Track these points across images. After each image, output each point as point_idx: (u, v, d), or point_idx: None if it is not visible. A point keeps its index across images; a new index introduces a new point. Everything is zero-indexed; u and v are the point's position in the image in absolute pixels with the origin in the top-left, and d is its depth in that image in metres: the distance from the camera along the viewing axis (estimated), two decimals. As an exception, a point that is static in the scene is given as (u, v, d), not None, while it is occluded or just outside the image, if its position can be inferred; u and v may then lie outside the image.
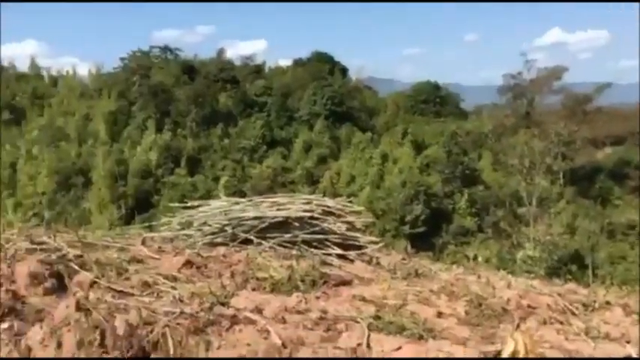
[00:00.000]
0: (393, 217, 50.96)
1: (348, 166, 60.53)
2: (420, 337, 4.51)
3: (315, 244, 9.08)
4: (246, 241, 8.90)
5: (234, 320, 4.08)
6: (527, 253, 35.44)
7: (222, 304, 4.58)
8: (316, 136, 66.86)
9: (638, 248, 49.24)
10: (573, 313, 6.23)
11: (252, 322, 4.17)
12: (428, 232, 50.37)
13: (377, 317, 4.72)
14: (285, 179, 58.48)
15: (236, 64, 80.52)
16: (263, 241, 8.76)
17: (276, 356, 3.75)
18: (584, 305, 6.55)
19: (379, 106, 77.66)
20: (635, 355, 4.71)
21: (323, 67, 78.04)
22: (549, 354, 4.64)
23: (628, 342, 5.05)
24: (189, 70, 75.08)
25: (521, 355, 3.47)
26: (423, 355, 3.94)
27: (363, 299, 5.44)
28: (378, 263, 8.99)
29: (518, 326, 5.09)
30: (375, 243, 9.29)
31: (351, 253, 8.93)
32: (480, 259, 10.17)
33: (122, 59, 77.04)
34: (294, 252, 7.97)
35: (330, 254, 8.85)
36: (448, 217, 52.62)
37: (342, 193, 57.69)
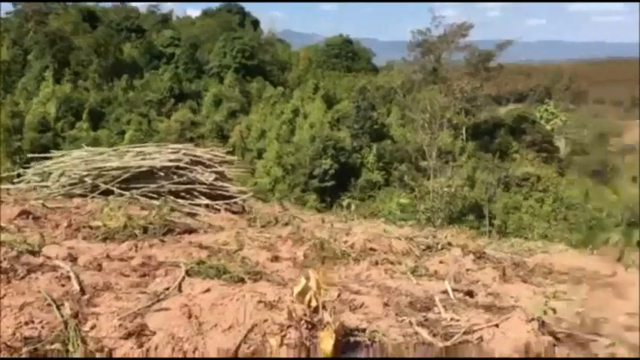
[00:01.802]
0: (303, 171, 51.30)
1: (259, 121, 59.94)
2: (241, 280, 4.54)
3: (182, 194, 8.92)
4: (110, 192, 8.59)
5: (32, 268, 3.91)
6: (426, 205, 36.97)
7: (32, 253, 4.38)
8: (226, 89, 65.54)
9: (532, 199, 52.53)
10: (416, 255, 6.54)
11: (55, 269, 4.03)
12: (337, 186, 51.16)
13: (201, 262, 4.70)
14: (193, 134, 57.16)
15: (141, 13, 76.80)
16: (126, 192, 8.50)
17: (74, 301, 3.64)
18: (428, 247, 6.90)
19: (292, 61, 76.98)
20: (449, 287, 5.01)
21: (233, 18, 75.96)
22: (368, 291, 4.84)
23: (443, 279, 5.35)
24: (91, 17, 70.90)
25: (312, 291, 3.56)
26: (231, 296, 3.95)
27: (200, 246, 5.41)
28: (247, 212, 9.00)
29: (321, 264, 5.23)
30: (244, 193, 9.27)
31: (219, 203, 8.86)
32: (352, 207, 10.37)
33: (15, 4, 71.50)
34: (157, 202, 7.78)
35: (198, 204, 8.73)
36: (357, 172, 53.60)
37: (252, 148, 57.39)
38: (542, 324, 3.99)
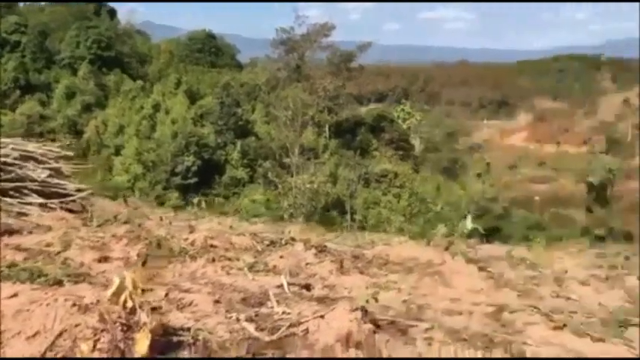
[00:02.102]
0: (164, 168, 49.64)
1: (117, 116, 57.00)
2: (58, 283, 4.24)
3: (11, 192, 8.18)
4: None
5: None
6: (289, 201, 37.46)
7: None
8: (80, 81, 61.52)
9: (390, 194, 55.16)
10: (257, 250, 6.55)
11: None
12: (200, 184, 50.14)
13: (13, 265, 4.31)
14: (43, 128, 53.05)
15: (-18, -4, 69.65)
16: (-60, 191, 7.63)
17: None
18: (272, 242, 6.95)
19: (152, 54, 74.11)
20: (285, 282, 5.08)
21: (87, 7, 71.49)
22: (200, 288, 4.75)
23: (279, 274, 5.41)
24: None
25: (128, 292, 3.39)
26: (41, 300, 3.65)
27: (17, 248, 4.98)
28: (86, 211, 8.45)
29: (144, 264, 5.08)
30: (82, 190, 8.71)
31: (54, 202, 8.25)
32: (203, 205, 10.18)
33: None
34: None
35: (30, 203, 8.07)
36: (221, 169, 52.90)
37: (109, 144, 54.48)
38: (366, 313, 4.12)
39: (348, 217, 49.54)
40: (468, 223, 6.31)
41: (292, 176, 44.58)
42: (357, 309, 4.07)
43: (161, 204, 37.27)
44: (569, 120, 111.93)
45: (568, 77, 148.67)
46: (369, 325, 3.99)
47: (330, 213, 48.29)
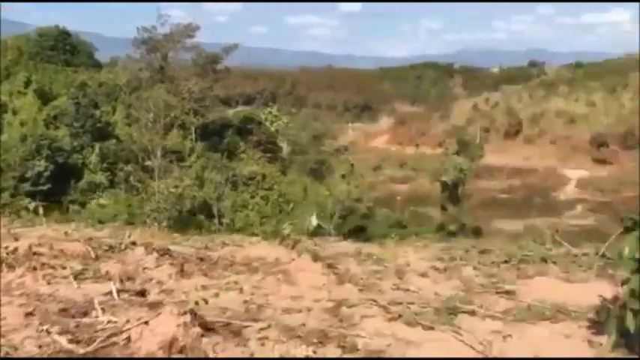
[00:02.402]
0: (12, 174, 45.63)
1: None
2: None
3: None
4: None
5: None
6: (152, 206, 36.07)
7: None
8: None
9: (258, 197, 55.12)
10: (96, 256, 6.13)
11: None
12: (54, 190, 46.70)
13: None
14: None
15: None
16: None
17: None
18: (111, 247, 6.55)
19: (-2, 50, 67.87)
20: (114, 288, 4.77)
21: None
22: (11, 300, 4.31)
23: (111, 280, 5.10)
24: None
25: None
26: None
27: None
28: None
29: None
30: None
31: None
32: (40, 210, 9.36)
33: None
34: None
35: None
36: (78, 173, 49.71)
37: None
38: (195, 316, 3.95)
39: (216, 220, 48.80)
40: (314, 220, 6.37)
41: (155, 180, 42.96)
42: (185, 312, 3.88)
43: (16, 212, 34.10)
44: (426, 123, 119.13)
45: (425, 83, 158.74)
46: (197, 329, 3.83)
47: (196, 217, 47.23)
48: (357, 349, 4.26)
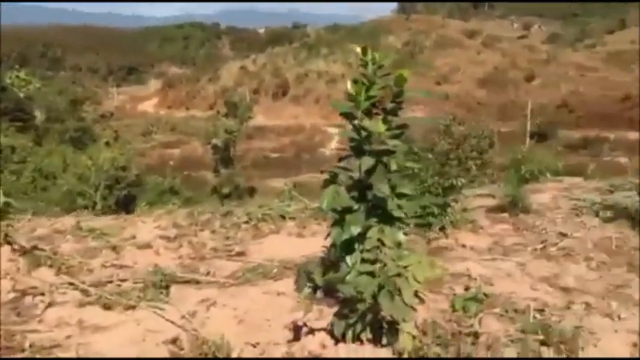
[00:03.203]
0: None
1: None
2: None
3: None
4: None
5: None
6: None
7: None
8: None
9: (7, 171, 48.92)
10: None
11: None
12: None
13: None
14: None
15: None
16: None
17: None
18: None
19: None
20: None
21: None
22: None
23: None
24: None
25: None
26: None
27: None
28: None
29: None
30: None
31: None
32: None
33: None
34: None
35: None
36: None
37: None
38: None
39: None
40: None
41: None
42: None
43: None
44: (196, 86, 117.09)
45: (193, 44, 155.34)
46: None
47: None
48: (24, 349, 3.63)
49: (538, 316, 4.32)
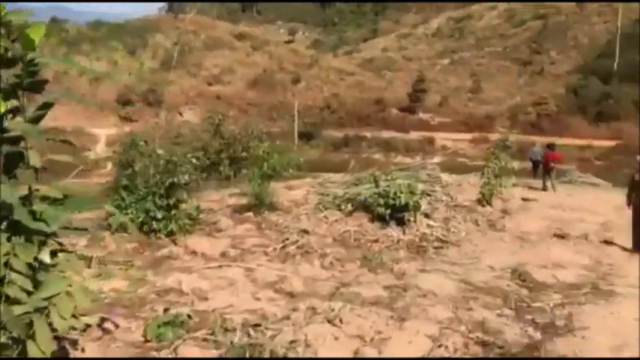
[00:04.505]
0: None
1: None
2: None
3: None
4: None
5: None
6: None
7: None
8: None
9: None
10: None
11: None
12: None
13: None
14: None
15: None
16: None
17: None
18: None
19: None
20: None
21: None
22: None
23: None
24: None
25: None
26: None
27: None
28: None
29: None
30: None
31: None
32: None
33: None
34: None
35: None
36: None
37: None
38: None
39: None
40: None
41: None
42: None
43: None
44: None
45: None
46: None
47: None
48: None
49: (252, 332, 3.68)
